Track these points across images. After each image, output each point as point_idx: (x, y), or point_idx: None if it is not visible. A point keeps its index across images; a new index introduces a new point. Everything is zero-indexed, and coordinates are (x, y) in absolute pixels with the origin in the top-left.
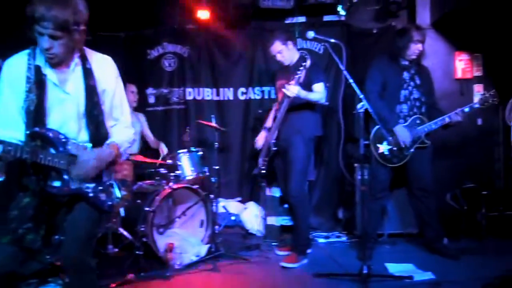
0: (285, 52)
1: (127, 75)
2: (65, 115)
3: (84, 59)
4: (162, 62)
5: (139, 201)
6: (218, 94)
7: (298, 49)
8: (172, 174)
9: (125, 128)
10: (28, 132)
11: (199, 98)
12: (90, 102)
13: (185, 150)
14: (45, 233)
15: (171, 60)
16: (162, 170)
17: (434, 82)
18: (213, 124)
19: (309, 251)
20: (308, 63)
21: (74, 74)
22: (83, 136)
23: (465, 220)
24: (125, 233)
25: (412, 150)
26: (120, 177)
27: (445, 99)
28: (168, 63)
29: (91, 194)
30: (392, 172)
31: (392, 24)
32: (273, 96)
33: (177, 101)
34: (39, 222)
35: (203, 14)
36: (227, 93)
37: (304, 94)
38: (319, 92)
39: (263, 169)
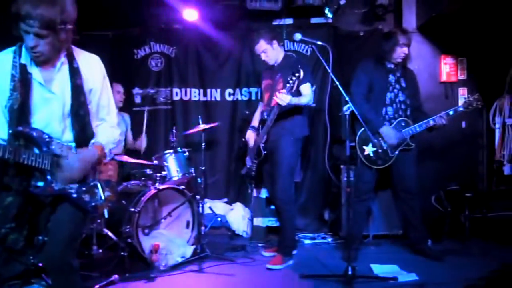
0: (269, 51)
1: (114, 75)
2: (50, 114)
3: (71, 58)
4: (149, 62)
5: (124, 201)
6: (205, 95)
7: (286, 51)
8: (158, 174)
9: (110, 127)
10: (11, 131)
11: (186, 98)
12: (76, 101)
13: (171, 151)
14: (28, 233)
15: (158, 60)
16: (148, 171)
17: (420, 85)
18: (201, 127)
19: (294, 252)
20: (301, 74)
21: (60, 73)
22: (68, 136)
23: (449, 222)
24: (110, 234)
25: (397, 152)
26: (104, 178)
27: (430, 101)
28: (155, 63)
29: (74, 195)
30: (377, 174)
31: (379, 27)
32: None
33: (164, 101)
34: (22, 222)
35: (191, 14)
36: (214, 94)
37: (295, 101)
38: (307, 94)
39: (253, 171)
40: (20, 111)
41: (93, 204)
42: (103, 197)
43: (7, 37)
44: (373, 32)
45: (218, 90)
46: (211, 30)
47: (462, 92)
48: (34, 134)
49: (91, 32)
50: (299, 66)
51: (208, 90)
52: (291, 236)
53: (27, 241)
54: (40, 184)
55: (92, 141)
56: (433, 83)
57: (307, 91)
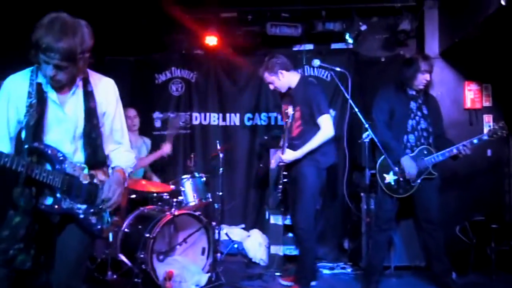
0: (276, 82)
1: (135, 99)
2: (62, 134)
3: (86, 82)
4: (170, 86)
5: (140, 226)
6: (224, 119)
7: (307, 76)
8: (174, 200)
9: (126, 151)
10: (27, 146)
11: (205, 123)
12: (89, 124)
13: (188, 176)
14: (36, 253)
15: (179, 85)
16: (165, 195)
17: (443, 111)
18: (219, 149)
19: (313, 283)
20: (289, 110)
21: (75, 96)
22: (79, 157)
23: (474, 254)
24: (124, 259)
25: (418, 181)
26: None
27: (454, 128)
28: (176, 87)
29: (81, 216)
30: (398, 203)
31: (401, 53)
32: (280, 123)
33: (184, 125)
34: (30, 242)
35: (211, 40)
36: (234, 119)
37: (299, 153)
38: (322, 129)
39: (279, 196)
40: (35, 128)
41: (99, 227)
42: (109, 221)
43: (22, 62)
44: (394, 58)
45: (238, 114)
46: (231, 56)
47: (487, 119)
48: (49, 151)
49: (114, 57)
50: (310, 97)
51: (228, 115)
52: (310, 267)
53: (34, 261)
54: (49, 201)
55: (112, 165)
56: (457, 110)
57: (325, 123)
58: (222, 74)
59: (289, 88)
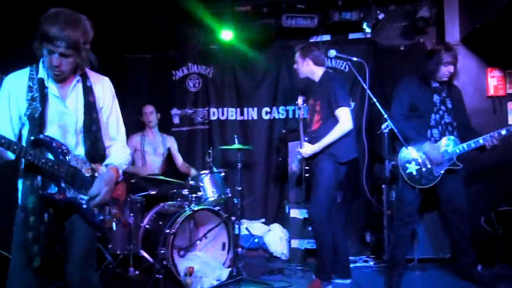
0: (300, 65)
1: (153, 96)
2: (64, 128)
3: (84, 77)
4: (187, 82)
5: (161, 222)
6: (242, 114)
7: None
8: (193, 195)
9: (122, 148)
10: (32, 138)
11: (223, 118)
12: (89, 117)
13: (207, 171)
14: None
15: (196, 80)
16: (184, 192)
17: (465, 100)
18: (236, 146)
19: (347, 281)
20: (299, 102)
21: (75, 90)
22: (80, 150)
23: (501, 245)
24: (146, 255)
25: (442, 172)
26: (113, 197)
27: (477, 117)
28: (193, 83)
29: (84, 206)
30: (421, 194)
31: (420, 41)
32: (297, 115)
33: (202, 121)
34: (51, 235)
35: (227, 34)
36: (251, 113)
37: (317, 147)
38: (340, 122)
39: (304, 189)
40: (40, 121)
41: (101, 217)
42: (111, 213)
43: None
44: (414, 46)
45: (255, 109)
46: (247, 49)
47: (511, 107)
48: (54, 144)
49: (131, 55)
50: (329, 88)
51: (245, 109)
52: (328, 260)
53: (53, 252)
54: (53, 190)
55: (106, 162)
56: (480, 98)
57: (343, 116)
58: (239, 68)
59: (312, 81)
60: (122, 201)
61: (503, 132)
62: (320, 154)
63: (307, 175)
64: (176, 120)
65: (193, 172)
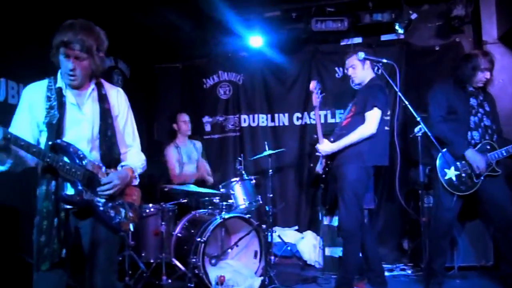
0: (358, 69)
1: (184, 104)
2: (80, 134)
3: (99, 86)
4: (218, 90)
5: (192, 231)
6: (273, 120)
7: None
8: (224, 203)
9: (137, 153)
10: (50, 142)
11: (254, 124)
12: (105, 123)
13: (237, 179)
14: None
15: (226, 88)
16: (215, 199)
17: (505, 100)
18: (267, 152)
19: None
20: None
21: (91, 98)
22: (95, 156)
23: None
24: (178, 264)
25: (482, 177)
26: (129, 201)
27: None
28: (223, 91)
29: (101, 208)
30: (460, 201)
31: (456, 40)
32: (329, 121)
33: (233, 128)
34: (63, 238)
35: (256, 41)
36: (282, 119)
37: (336, 146)
38: (364, 124)
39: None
40: (57, 127)
41: (117, 220)
42: (126, 216)
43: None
44: (450, 45)
45: (286, 114)
46: (277, 55)
47: None
48: (71, 149)
49: (162, 64)
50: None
51: (276, 115)
52: (353, 271)
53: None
54: (71, 191)
55: (123, 163)
56: None
57: (370, 118)
58: (269, 74)
59: (360, 84)
60: (137, 206)
61: None
62: (344, 155)
63: (324, 176)
64: (207, 128)
65: (210, 180)
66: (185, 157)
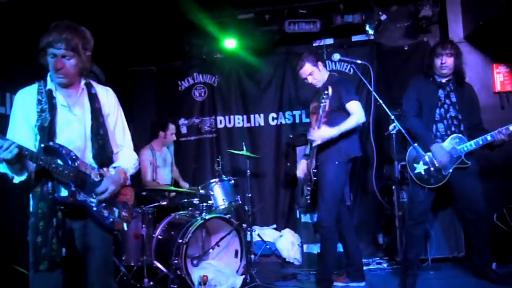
0: (316, 73)
1: (160, 107)
2: (72, 135)
3: (89, 86)
4: (193, 92)
5: (173, 232)
6: (249, 121)
7: (329, 71)
8: (204, 204)
9: (129, 153)
10: (43, 145)
11: (230, 125)
12: (96, 122)
13: (216, 180)
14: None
15: (201, 90)
16: (195, 201)
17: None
18: (245, 152)
19: (362, 284)
20: (330, 91)
21: (81, 98)
22: (88, 155)
23: None
24: (160, 266)
25: (450, 170)
26: (122, 200)
27: (485, 113)
28: (199, 93)
29: (94, 208)
30: (432, 194)
31: (424, 40)
32: (304, 120)
33: (209, 130)
34: (60, 237)
35: (230, 43)
36: (258, 119)
37: (336, 131)
38: (354, 113)
39: (308, 199)
40: (49, 130)
41: (111, 220)
42: (120, 216)
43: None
44: (418, 45)
45: (262, 115)
46: (251, 57)
47: None
48: (63, 151)
49: (137, 68)
50: (338, 84)
51: (252, 116)
52: (332, 267)
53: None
54: (64, 193)
55: (114, 165)
56: (486, 94)
57: (354, 109)
58: (244, 75)
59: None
60: (131, 205)
61: (511, 127)
62: (325, 153)
63: (315, 178)
64: (183, 130)
65: (185, 185)
66: (160, 161)
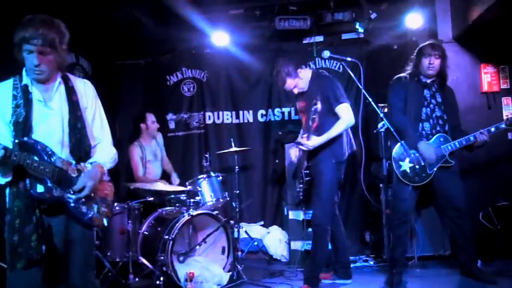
0: (300, 83)
1: (147, 101)
2: (50, 129)
3: (66, 79)
4: (182, 87)
5: (159, 228)
6: (237, 117)
7: (318, 69)
8: (191, 200)
9: (107, 147)
10: (17, 141)
11: (218, 121)
12: (74, 115)
13: (204, 176)
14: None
15: (190, 85)
16: (182, 197)
17: (460, 96)
18: (233, 149)
19: (349, 281)
20: (319, 106)
21: (58, 92)
22: (66, 150)
23: (499, 241)
24: (145, 262)
25: (435, 169)
26: (101, 195)
27: (472, 113)
28: (187, 88)
29: (72, 204)
30: (416, 191)
31: (413, 39)
32: (293, 117)
33: (197, 125)
34: (39, 234)
35: (220, 38)
36: (247, 116)
37: (325, 137)
38: (344, 116)
39: (301, 195)
40: (24, 125)
41: (90, 215)
42: (99, 211)
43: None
44: (407, 45)
45: (251, 111)
46: (241, 53)
47: (506, 102)
48: (38, 146)
49: (124, 61)
50: (325, 88)
51: (241, 112)
52: (321, 265)
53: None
54: (40, 189)
55: (91, 160)
56: (474, 94)
57: (343, 112)
58: (233, 71)
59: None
60: (110, 200)
61: (492, 129)
62: (320, 152)
63: (307, 178)
64: (171, 125)
65: (175, 177)
66: (150, 155)
